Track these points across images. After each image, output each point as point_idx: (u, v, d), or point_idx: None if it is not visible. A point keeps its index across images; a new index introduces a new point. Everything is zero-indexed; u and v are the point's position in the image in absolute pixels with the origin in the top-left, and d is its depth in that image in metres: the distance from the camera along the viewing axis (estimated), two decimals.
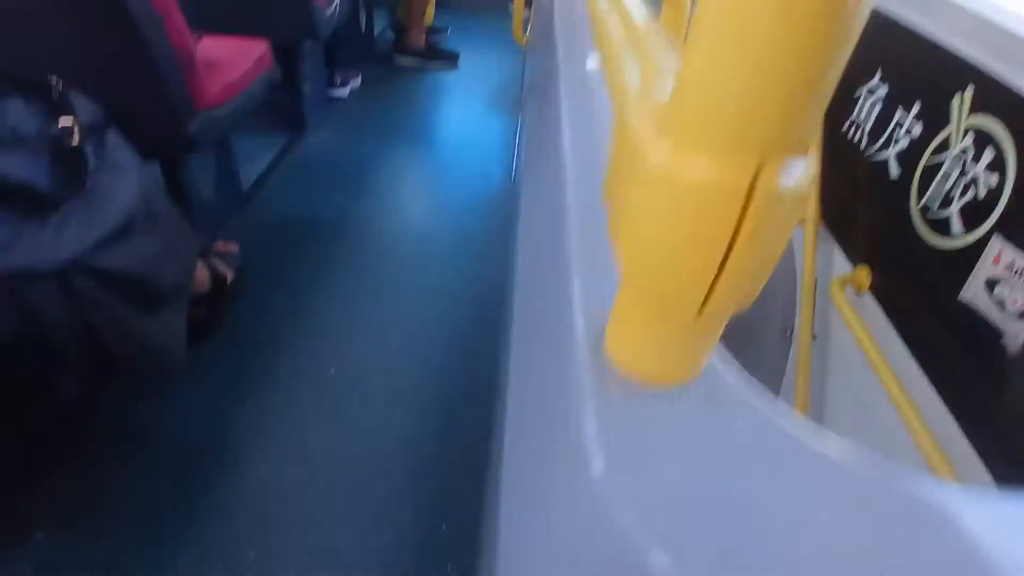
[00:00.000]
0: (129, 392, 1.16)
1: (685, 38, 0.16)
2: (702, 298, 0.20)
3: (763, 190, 0.16)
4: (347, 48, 2.42)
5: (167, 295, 1.00)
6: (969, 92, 0.68)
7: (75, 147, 0.88)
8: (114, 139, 0.96)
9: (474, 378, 1.24)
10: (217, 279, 1.30)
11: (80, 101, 0.92)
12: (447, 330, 1.35)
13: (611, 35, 0.38)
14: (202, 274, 1.26)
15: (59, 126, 0.88)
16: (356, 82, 2.48)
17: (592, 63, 0.55)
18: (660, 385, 0.26)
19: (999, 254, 0.64)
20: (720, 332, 0.25)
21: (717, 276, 0.19)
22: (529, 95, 1.18)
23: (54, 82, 0.90)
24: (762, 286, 0.21)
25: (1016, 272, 0.62)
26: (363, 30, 2.69)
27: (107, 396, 1.14)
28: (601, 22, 0.42)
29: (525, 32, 2.44)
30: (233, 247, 1.44)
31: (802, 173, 0.16)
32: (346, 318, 1.37)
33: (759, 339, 1.05)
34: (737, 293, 0.20)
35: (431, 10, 2.85)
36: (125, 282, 0.90)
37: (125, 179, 0.91)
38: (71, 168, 0.87)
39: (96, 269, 0.85)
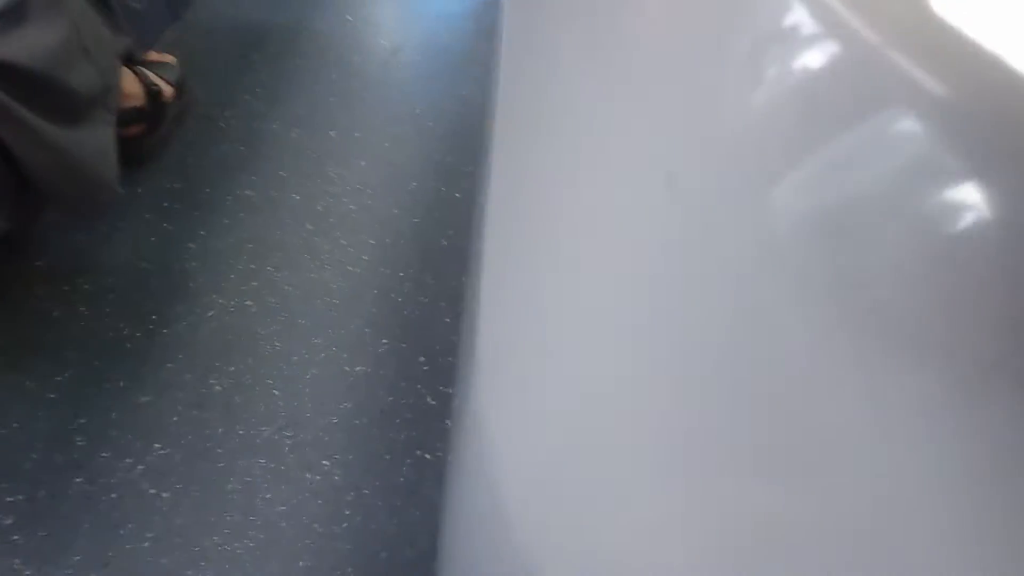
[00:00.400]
0: (67, 222, 1.04)
1: None
2: None
3: None
4: None
5: (84, 102, 0.85)
6: None
7: None
8: None
9: (449, 204, 1.12)
10: (152, 93, 1.12)
11: None
12: (421, 151, 1.21)
13: None
14: (133, 86, 1.09)
15: None
16: None
17: None
18: None
19: None
20: None
21: None
22: None
23: None
24: None
25: None
26: None
27: (42, 228, 1.02)
28: None
29: None
30: (169, 58, 1.24)
31: None
32: (308, 142, 1.22)
33: None
34: None
35: None
36: (25, 80, 0.75)
37: None
38: None
39: None
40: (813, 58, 0.17)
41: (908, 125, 0.15)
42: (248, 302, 0.96)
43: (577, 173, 0.33)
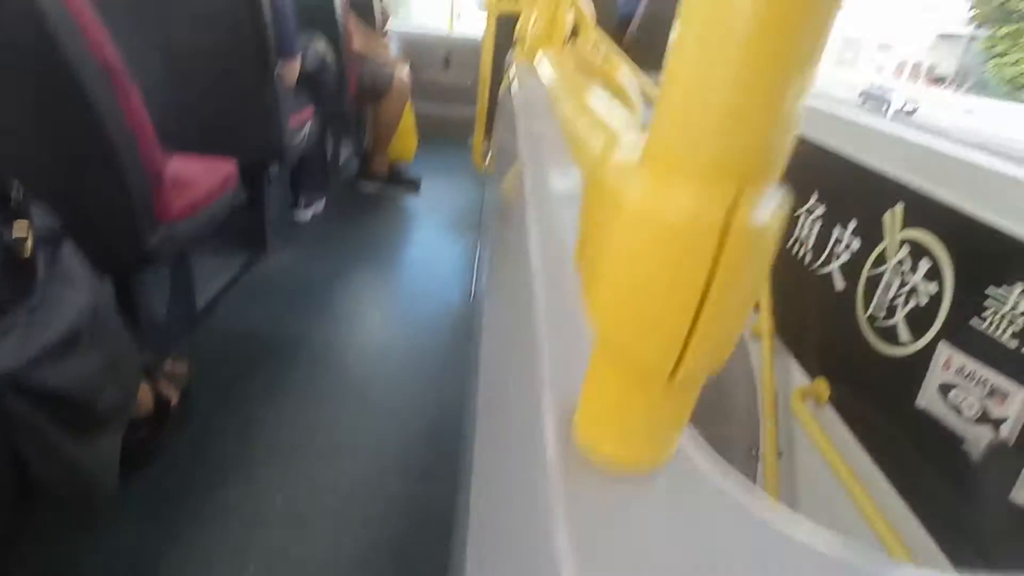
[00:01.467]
0: (53, 524, 1.05)
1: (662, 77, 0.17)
2: (676, 355, 0.20)
3: (740, 222, 0.16)
4: (312, 172, 2.48)
5: (105, 418, 0.93)
6: (899, 208, 0.74)
7: (27, 257, 0.86)
8: (69, 251, 0.93)
9: (429, 509, 1.16)
10: (161, 402, 1.23)
11: (39, 210, 0.91)
12: (402, 453, 1.29)
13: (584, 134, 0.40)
14: (145, 396, 1.19)
15: (13, 235, 0.86)
16: (319, 206, 2.53)
17: (560, 179, 0.57)
18: (631, 471, 0.25)
19: (949, 359, 0.66)
20: (691, 406, 0.24)
21: (692, 327, 0.19)
22: (491, 218, 1.21)
23: (15, 188, 0.89)
24: (731, 349, 0.21)
25: (968, 376, 0.64)
26: (329, 156, 2.77)
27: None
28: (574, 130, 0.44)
29: (484, 160, 2.58)
30: (182, 368, 1.37)
31: (775, 206, 0.16)
32: (297, 443, 1.30)
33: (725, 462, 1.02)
34: (711, 349, 0.20)
35: (412, 144, 2.99)
36: (61, 403, 0.83)
37: (76, 292, 0.88)
38: (19, 278, 0.83)
39: (33, 388, 0.78)
40: None
41: None
42: None
43: None
